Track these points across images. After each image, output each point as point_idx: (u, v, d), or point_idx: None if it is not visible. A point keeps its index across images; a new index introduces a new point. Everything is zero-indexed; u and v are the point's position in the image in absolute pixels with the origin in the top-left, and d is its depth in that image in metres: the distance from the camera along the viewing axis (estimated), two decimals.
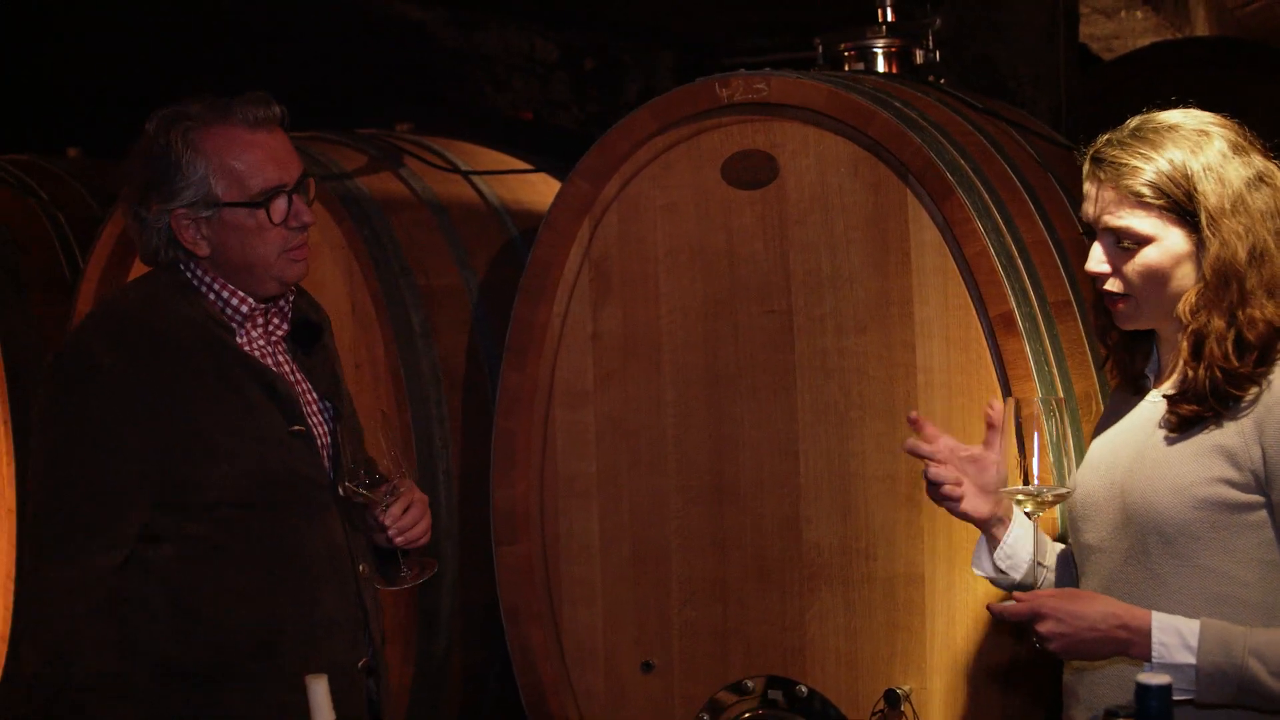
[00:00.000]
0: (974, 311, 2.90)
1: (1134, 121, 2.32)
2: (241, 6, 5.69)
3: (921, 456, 2.44)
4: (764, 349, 3.13)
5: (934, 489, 2.43)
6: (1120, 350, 2.43)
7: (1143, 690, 1.63)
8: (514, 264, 3.61)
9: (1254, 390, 2.20)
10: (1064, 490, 2.32)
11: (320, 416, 2.72)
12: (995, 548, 2.46)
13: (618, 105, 6.50)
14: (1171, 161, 2.23)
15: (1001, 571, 2.48)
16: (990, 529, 2.46)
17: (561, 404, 3.36)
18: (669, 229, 3.23)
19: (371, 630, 2.71)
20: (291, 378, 2.68)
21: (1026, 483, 2.30)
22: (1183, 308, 2.25)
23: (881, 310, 3.01)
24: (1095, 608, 2.20)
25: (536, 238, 3.31)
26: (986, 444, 2.43)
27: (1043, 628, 2.19)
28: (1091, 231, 2.34)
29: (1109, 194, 2.27)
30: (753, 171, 3.12)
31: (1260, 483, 2.20)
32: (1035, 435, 2.30)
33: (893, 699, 3.02)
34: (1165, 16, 6.96)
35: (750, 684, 3.18)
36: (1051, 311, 2.91)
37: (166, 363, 2.51)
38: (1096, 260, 2.31)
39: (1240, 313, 2.21)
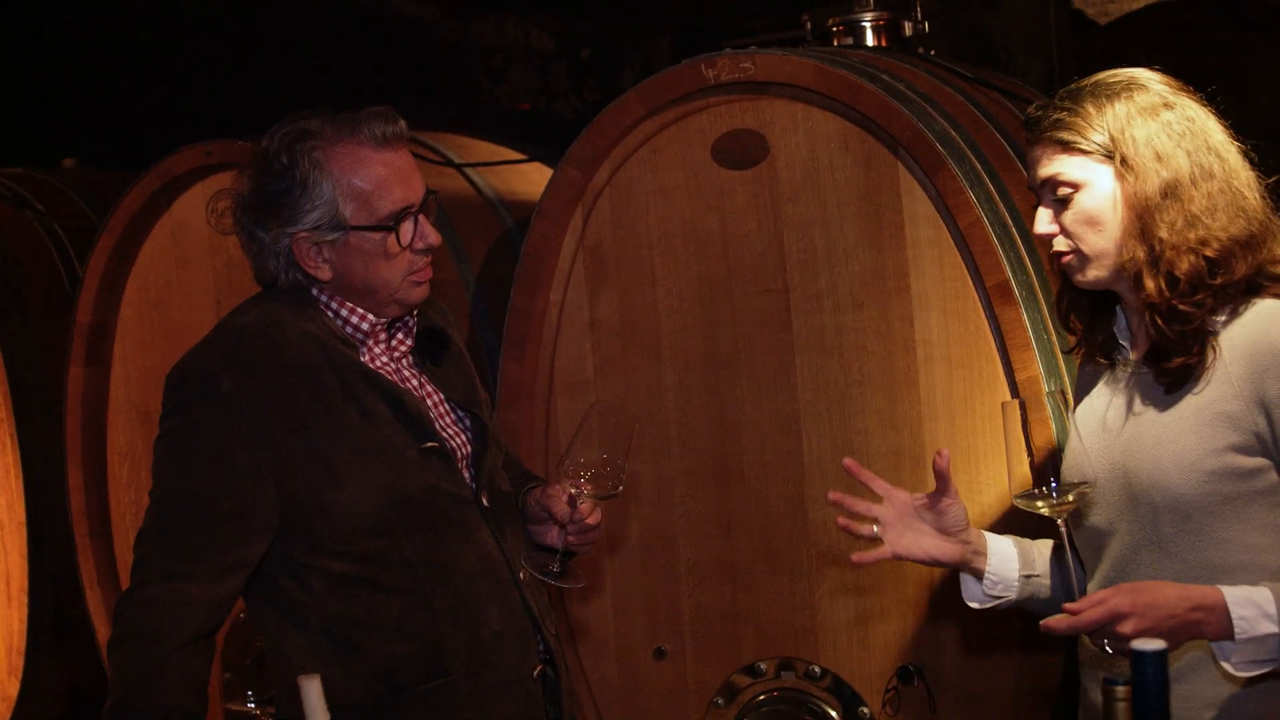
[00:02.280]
0: (971, 282, 2.88)
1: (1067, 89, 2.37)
2: (237, 6, 5.68)
3: (864, 522, 2.44)
4: (762, 329, 3.11)
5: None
6: (1089, 328, 2.42)
7: (1138, 657, 1.61)
8: (510, 255, 3.59)
9: (1217, 318, 2.21)
10: (1085, 485, 2.24)
11: (457, 427, 2.62)
12: (982, 579, 2.44)
13: (616, 93, 6.47)
14: (1089, 108, 2.27)
15: (995, 598, 2.45)
16: (969, 564, 2.44)
17: (562, 393, 3.35)
18: (662, 213, 3.21)
19: (545, 635, 2.61)
20: (420, 391, 2.58)
21: (1041, 486, 2.23)
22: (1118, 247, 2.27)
23: (878, 285, 2.98)
24: (1168, 594, 2.10)
25: (530, 227, 3.30)
26: (938, 492, 2.41)
27: (1125, 628, 2.08)
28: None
29: (1037, 150, 2.32)
30: (743, 151, 3.09)
31: (1266, 446, 2.17)
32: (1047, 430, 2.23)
33: (906, 676, 3.00)
34: None
35: (763, 666, 3.16)
36: (1049, 279, 2.88)
37: (290, 386, 2.42)
38: (1043, 222, 2.33)
39: (1157, 244, 2.22)
